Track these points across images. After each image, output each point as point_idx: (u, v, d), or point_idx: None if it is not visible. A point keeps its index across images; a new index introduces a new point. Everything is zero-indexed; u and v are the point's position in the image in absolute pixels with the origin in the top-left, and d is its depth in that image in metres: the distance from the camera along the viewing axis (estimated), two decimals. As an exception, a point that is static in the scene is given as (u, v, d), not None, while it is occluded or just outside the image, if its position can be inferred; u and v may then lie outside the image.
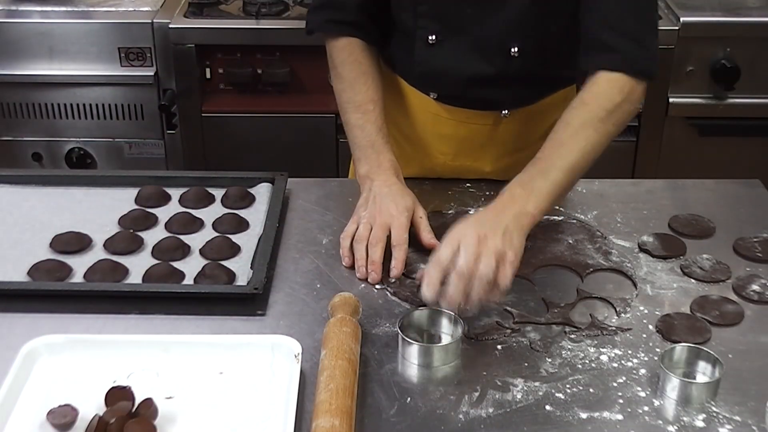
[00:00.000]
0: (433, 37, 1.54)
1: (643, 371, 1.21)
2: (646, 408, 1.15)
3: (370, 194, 1.48)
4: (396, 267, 1.38)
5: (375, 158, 1.52)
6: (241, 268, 1.39)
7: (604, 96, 1.41)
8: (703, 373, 1.20)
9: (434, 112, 1.63)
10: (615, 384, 1.19)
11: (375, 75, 1.59)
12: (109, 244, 1.44)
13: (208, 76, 2.60)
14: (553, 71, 1.60)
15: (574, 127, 1.39)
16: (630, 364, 1.23)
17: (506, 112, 1.61)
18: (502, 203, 1.33)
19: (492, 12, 1.50)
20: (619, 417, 1.14)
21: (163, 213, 1.54)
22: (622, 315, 1.32)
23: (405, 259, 1.39)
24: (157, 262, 1.41)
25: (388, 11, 1.60)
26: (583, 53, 1.47)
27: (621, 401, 1.16)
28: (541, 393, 1.17)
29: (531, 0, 1.48)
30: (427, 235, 1.43)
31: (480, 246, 1.22)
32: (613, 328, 1.29)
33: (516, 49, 1.52)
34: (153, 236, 1.47)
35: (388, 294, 1.36)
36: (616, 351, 1.25)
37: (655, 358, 1.22)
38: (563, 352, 1.25)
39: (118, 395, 1.11)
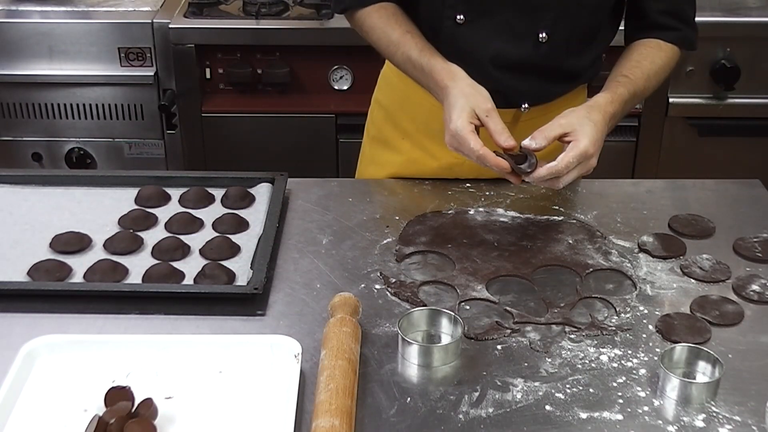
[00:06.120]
0: (462, 17, 1.54)
1: (643, 371, 1.21)
2: (646, 408, 1.15)
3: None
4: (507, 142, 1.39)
5: (431, 81, 1.50)
6: (241, 268, 1.39)
7: (671, 53, 1.60)
8: (703, 373, 1.20)
9: None
10: (615, 384, 1.19)
11: (406, 17, 1.58)
12: (109, 244, 1.44)
13: (208, 76, 2.60)
14: (574, 64, 1.62)
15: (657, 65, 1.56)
16: (630, 364, 1.23)
17: (526, 106, 1.61)
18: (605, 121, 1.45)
19: None
20: (619, 417, 1.14)
21: (163, 213, 1.54)
22: (622, 315, 1.32)
23: (513, 143, 1.39)
24: (157, 262, 1.41)
25: None
26: (638, 31, 1.60)
27: (621, 401, 1.16)
28: (541, 393, 1.17)
29: None
30: (500, 137, 1.40)
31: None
32: (613, 328, 1.29)
33: (544, 35, 1.53)
34: (153, 236, 1.47)
35: (388, 294, 1.36)
36: (616, 351, 1.25)
37: (655, 358, 1.22)
38: (563, 352, 1.25)
39: (117, 395, 1.11)
